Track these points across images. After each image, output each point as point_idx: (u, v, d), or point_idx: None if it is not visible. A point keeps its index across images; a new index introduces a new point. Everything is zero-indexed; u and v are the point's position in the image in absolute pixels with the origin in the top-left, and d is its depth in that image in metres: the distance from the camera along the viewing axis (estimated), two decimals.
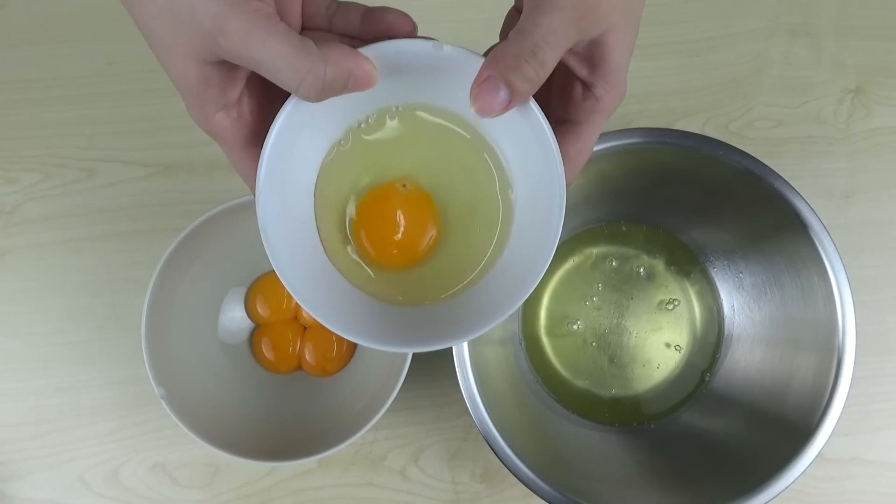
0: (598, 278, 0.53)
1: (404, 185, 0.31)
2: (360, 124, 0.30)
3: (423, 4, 0.57)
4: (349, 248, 0.31)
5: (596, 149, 0.38)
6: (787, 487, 0.41)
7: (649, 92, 0.56)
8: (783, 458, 0.41)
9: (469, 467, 0.52)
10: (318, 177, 0.30)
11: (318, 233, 0.30)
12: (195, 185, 0.55)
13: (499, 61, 0.25)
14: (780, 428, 0.44)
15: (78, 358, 0.53)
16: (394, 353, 0.47)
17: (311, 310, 0.28)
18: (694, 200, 0.49)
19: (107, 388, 0.53)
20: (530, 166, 0.29)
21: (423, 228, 0.31)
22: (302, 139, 0.28)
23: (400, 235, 0.30)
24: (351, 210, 0.31)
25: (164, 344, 0.46)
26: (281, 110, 0.27)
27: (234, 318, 0.52)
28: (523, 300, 0.28)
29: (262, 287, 0.52)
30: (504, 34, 0.31)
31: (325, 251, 0.30)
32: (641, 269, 0.53)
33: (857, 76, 0.57)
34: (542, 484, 0.41)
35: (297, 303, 0.51)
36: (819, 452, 0.41)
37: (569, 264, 0.53)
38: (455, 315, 0.30)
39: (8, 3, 0.57)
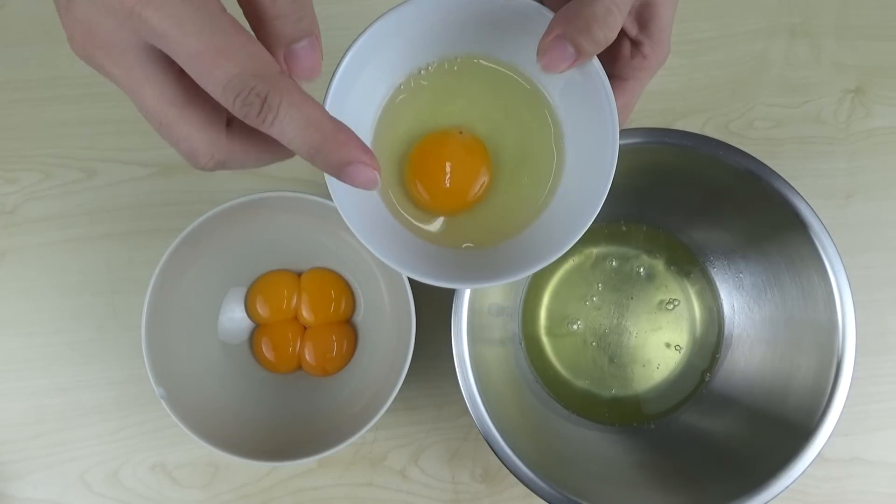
0: (598, 278, 0.53)
1: (461, 132, 0.31)
2: (420, 70, 0.31)
3: None
4: (401, 190, 0.32)
5: None
6: (787, 487, 0.41)
7: (649, 92, 0.55)
8: (783, 458, 0.41)
9: (469, 467, 0.52)
10: (376, 118, 0.31)
11: None
12: (195, 185, 0.55)
13: (570, 21, 0.25)
14: (780, 428, 0.44)
15: (78, 358, 0.53)
16: (394, 352, 0.47)
17: (369, 244, 0.28)
18: (694, 200, 0.49)
19: (107, 388, 0.53)
20: (586, 119, 0.29)
21: (475, 175, 0.31)
22: (362, 79, 0.29)
23: (451, 181, 0.31)
24: (407, 153, 0.32)
25: (164, 344, 0.46)
26: (348, 49, 0.28)
27: (234, 318, 0.52)
28: (568, 247, 0.29)
29: (262, 287, 0.52)
30: None
31: (380, 192, 0.31)
32: (641, 269, 0.53)
33: (857, 76, 0.57)
34: (542, 484, 0.41)
35: (296, 303, 0.51)
36: (819, 452, 0.41)
37: (569, 264, 0.53)
38: (502, 257, 0.31)
39: (8, 2, 0.57)
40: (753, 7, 0.58)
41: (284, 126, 0.21)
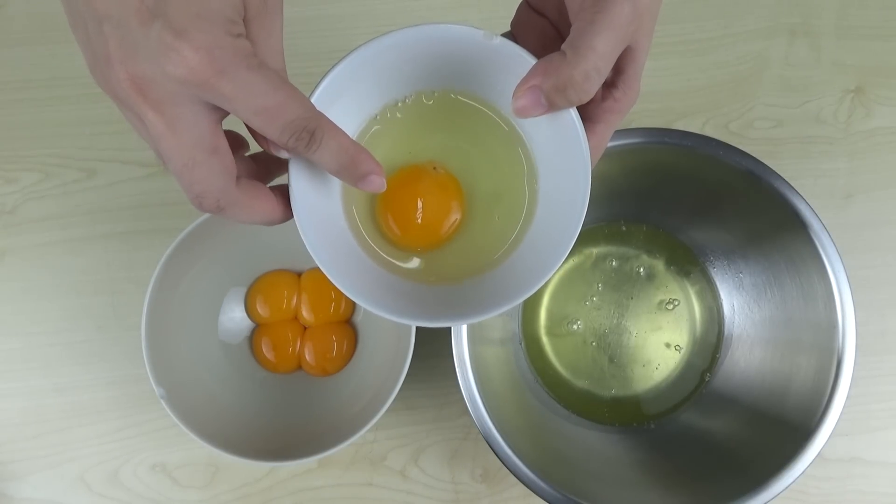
0: (598, 278, 0.53)
1: (435, 168, 0.31)
2: (397, 103, 0.31)
3: (422, 5, 0.57)
4: (372, 225, 0.31)
5: None
6: (787, 487, 0.41)
7: (649, 92, 0.56)
8: (783, 458, 0.41)
9: (469, 467, 0.52)
10: None
11: (344, 208, 0.31)
12: None
13: (548, 76, 0.26)
14: (780, 428, 0.44)
15: (78, 358, 0.53)
16: (394, 352, 0.47)
17: (339, 283, 0.28)
18: (694, 200, 0.49)
19: (107, 388, 0.53)
20: (558, 160, 0.29)
21: (448, 212, 0.31)
22: (336, 108, 0.28)
23: (424, 217, 0.31)
24: None
25: (164, 344, 0.46)
26: (322, 78, 0.28)
27: (234, 318, 0.52)
28: (538, 288, 0.28)
29: (262, 287, 0.52)
30: (516, 26, 0.32)
31: (349, 227, 0.31)
32: (641, 269, 0.53)
33: (857, 76, 0.57)
34: (542, 484, 0.41)
35: (296, 303, 0.51)
36: (819, 452, 0.41)
37: (569, 264, 0.53)
38: (471, 295, 0.30)
39: (8, 3, 0.57)
40: (753, 7, 0.58)
41: (324, 152, 0.26)
